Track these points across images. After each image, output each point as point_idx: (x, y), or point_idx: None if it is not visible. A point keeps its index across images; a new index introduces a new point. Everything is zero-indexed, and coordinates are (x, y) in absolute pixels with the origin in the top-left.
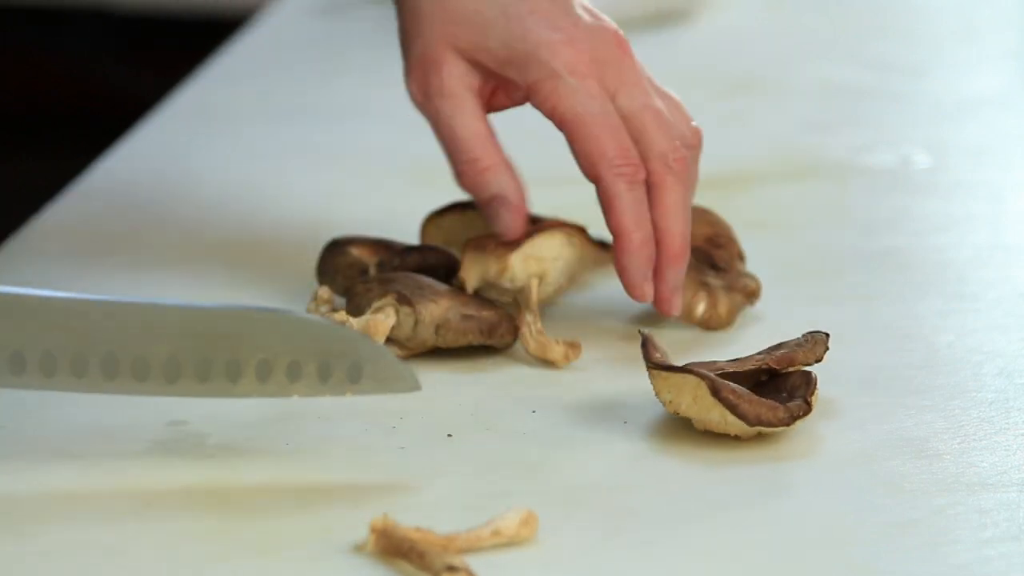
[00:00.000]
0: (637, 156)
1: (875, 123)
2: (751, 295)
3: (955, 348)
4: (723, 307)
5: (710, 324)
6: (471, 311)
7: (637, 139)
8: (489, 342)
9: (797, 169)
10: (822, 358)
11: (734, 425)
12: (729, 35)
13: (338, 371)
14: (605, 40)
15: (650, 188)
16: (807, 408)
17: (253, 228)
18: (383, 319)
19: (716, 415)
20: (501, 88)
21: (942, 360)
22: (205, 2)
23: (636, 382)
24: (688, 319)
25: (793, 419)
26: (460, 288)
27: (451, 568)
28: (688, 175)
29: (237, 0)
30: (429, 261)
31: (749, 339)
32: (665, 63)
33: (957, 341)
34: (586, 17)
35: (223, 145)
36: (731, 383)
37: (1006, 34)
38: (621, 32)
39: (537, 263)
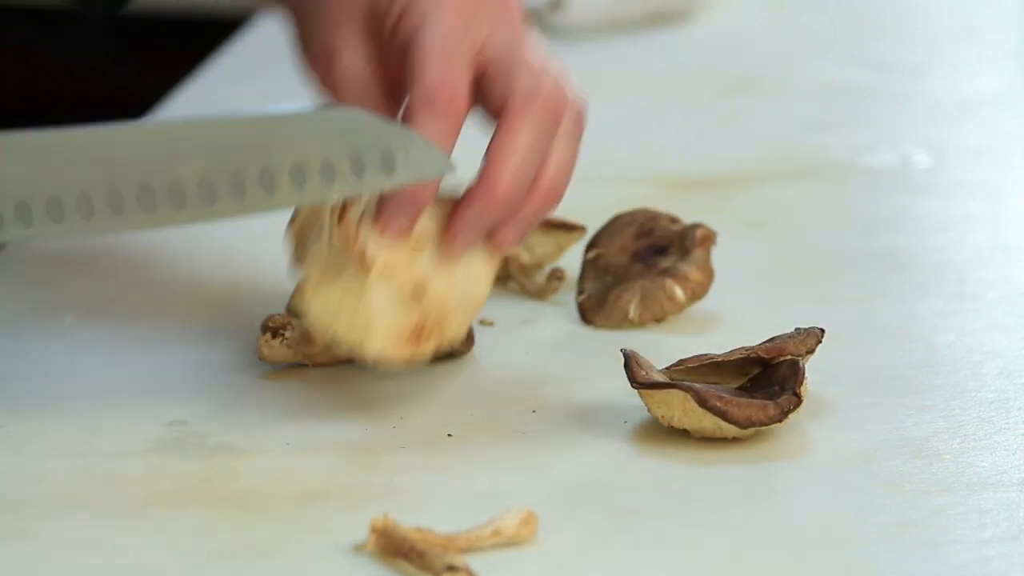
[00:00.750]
0: (458, 91)
1: (875, 123)
2: (706, 240)
3: (955, 348)
4: (694, 273)
5: (697, 294)
6: None
7: (495, 80)
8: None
9: (797, 169)
10: (814, 350)
11: (729, 429)
12: (729, 35)
13: (371, 164)
14: None
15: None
16: (797, 401)
17: (252, 228)
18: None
19: (709, 423)
20: (397, 65)
21: (942, 360)
22: (205, 2)
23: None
24: (678, 308)
25: (784, 414)
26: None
27: (451, 568)
28: (548, 117)
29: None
30: None
31: (749, 339)
32: (665, 63)
33: (957, 341)
34: None
35: None
36: (718, 389)
37: (1006, 34)
38: None
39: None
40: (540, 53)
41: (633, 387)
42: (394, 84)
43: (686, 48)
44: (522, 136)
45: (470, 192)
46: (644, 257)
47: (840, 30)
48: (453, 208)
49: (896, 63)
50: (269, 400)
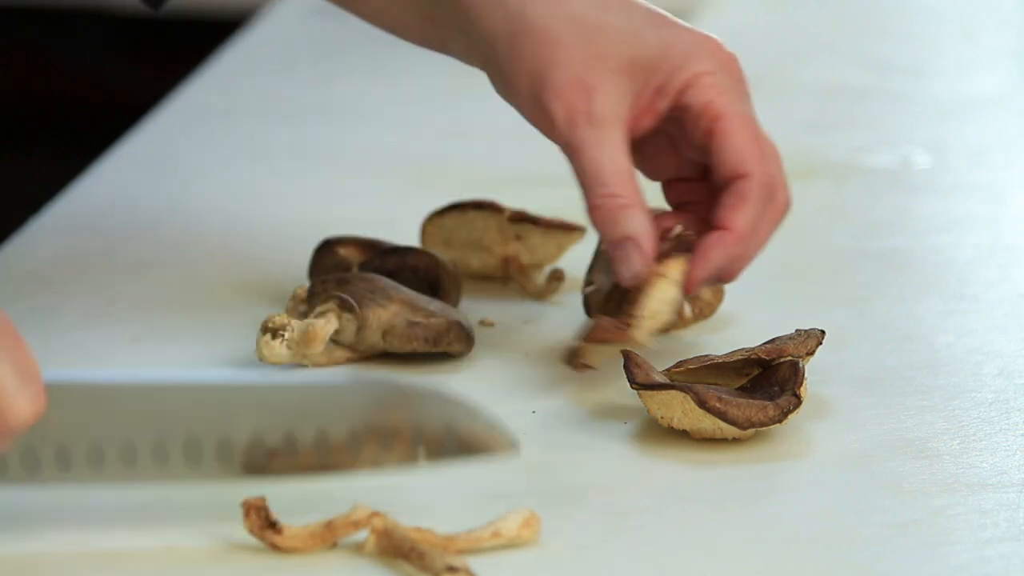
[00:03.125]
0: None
1: (875, 123)
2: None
3: (955, 348)
4: (705, 292)
5: (705, 313)
6: (419, 318)
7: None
8: (435, 350)
9: (797, 169)
10: (814, 352)
11: (729, 430)
12: (729, 35)
13: (433, 440)
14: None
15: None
16: (797, 402)
17: (252, 228)
18: (322, 324)
19: (708, 424)
20: (648, 104)
21: (942, 360)
22: (205, 2)
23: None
24: (684, 325)
25: (784, 415)
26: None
27: (451, 568)
28: (779, 225)
29: (237, 0)
30: (409, 263)
31: (750, 339)
32: None
33: (957, 341)
34: None
35: (223, 145)
36: (717, 390)
37: (1006, 34)
38: None
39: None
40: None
41: (632, 388)
42: (635, 124)
43: None
44: (756, 211)
45: (748, 251)
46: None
47: (840, 30)
48: (695, 261)
49: (896, 63)
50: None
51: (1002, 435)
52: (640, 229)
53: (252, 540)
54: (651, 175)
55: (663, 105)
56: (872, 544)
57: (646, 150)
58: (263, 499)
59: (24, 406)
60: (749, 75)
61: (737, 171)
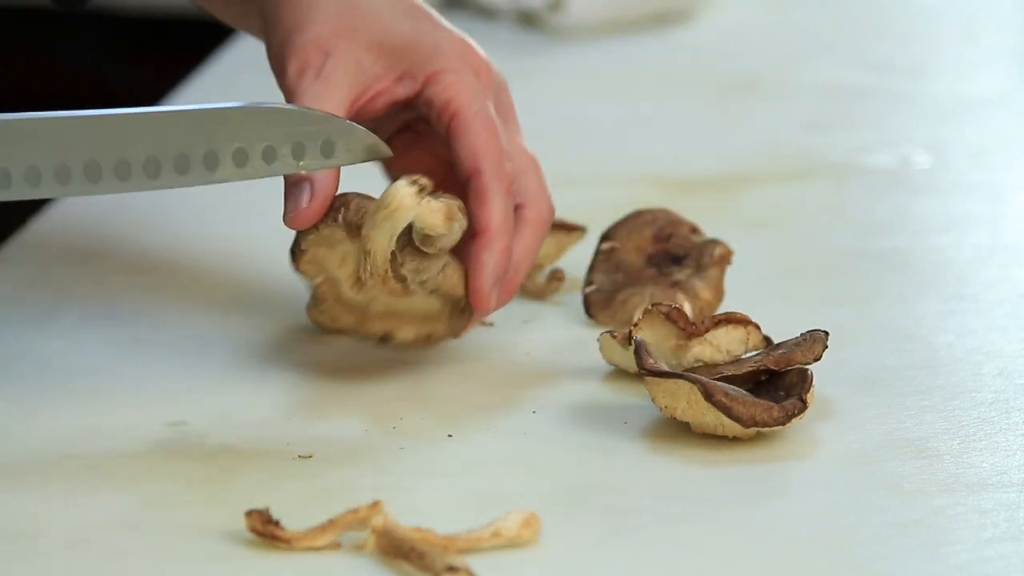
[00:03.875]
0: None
1: (875, 123)
2: (723, 260)
3: (955, 348)
4: (705, 292)
5: (704, 313)
6: None
7: (516, 177)
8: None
9: (797, 169)
10: (820, 357)
11: (731, 427)
12: (729, 35)
13: (311, 148)
14: (500, 74)
15: (518, 222)
16: (802, 406)
17: (253, 228)
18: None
19: (711, 418)
20: (384, 89)
21: (942, 360)
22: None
23: (636, 382)
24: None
25: (788, 418)
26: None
27: (451, 568)
28: (545, 230)
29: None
30: None
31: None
32: (665, 63)
33: (957, 341)
34: None
35: None
36: (725, 386)
37: (1006, 34)
38: None
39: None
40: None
41: (640, 373)
42: (364, 106)
43: (686, 48)
44: (535, 247)
45: (502, 248)
46: (659, 263)
47: (840, 30)
48: (484, 257)
49: (896, 63)
50: (269, 400)
51: (1002, 435)
52: (320, 177)
53: (253, 541)
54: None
55: (402, 92)
56: (872, 544)
57: (393, 146)
58: (266, 508)
59: None
60: (749, 75)
61: (471, 167)
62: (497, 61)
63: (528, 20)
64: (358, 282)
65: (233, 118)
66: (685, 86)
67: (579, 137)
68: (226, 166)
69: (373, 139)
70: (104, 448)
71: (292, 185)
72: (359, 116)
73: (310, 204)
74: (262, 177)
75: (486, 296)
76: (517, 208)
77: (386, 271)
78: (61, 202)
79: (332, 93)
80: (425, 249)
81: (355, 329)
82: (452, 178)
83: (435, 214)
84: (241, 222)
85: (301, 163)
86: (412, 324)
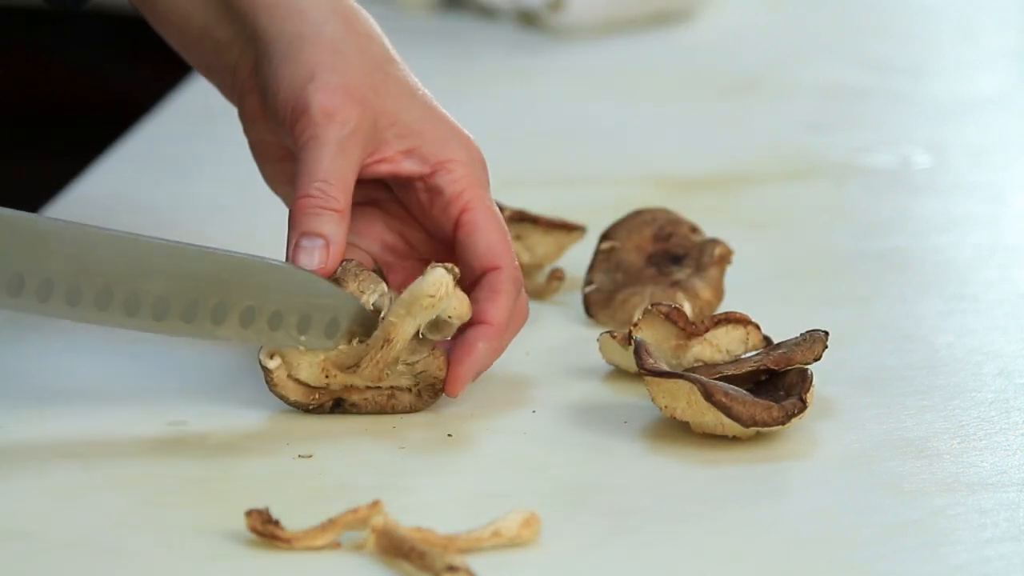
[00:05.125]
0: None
1: (875, 123)
2: (723, 260)
3: (955, 348)
4: (705, 291)
5: (704, 312)
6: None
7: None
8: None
9: (797, 169)
10: (820, 357)
11: (731, 427)
12: (729, 35)
13: (317, 323)
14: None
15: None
16: (802, 406)
17: (253, 228)
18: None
19: (711, 418)
20: (389, 158)
21: (942, 360)
22: None
23: (635, 382)
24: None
25: (788, 417)
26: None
27: (451, 568)
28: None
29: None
30: None
31: None
32: (665, 63)
33: (957, 341)
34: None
35: (223, 145)
36: (725, 385)
37: (1006, 34)
38: None
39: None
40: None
41: (641, 373)
42: (373, 165)
43: (686, 48)
44: (511, 302)
45: (497, 345)
46: (658, 263)
47: (840, 30)
48: (480, 347)
49: (896, 63)
50: (269, 400)
51: (1002, 435)
52: (337, 235)
53: (253, 540)
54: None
55: (406, 169)
56: (872, 544)
57: (355, 215)
58: (266, 508)
59: None
60: (749, 75)
61: (490, 264)
62: (497, 61)
63: (528, 20)
64: (333, 364)
65: (252, 272)
66: (685, 86)
67: (579, 137)
68: (231, 323)
69: (375, 323)
70: (104, 448)
71: (303, 236)
72: (360, 175)
73: (327, 264)
74: (260, 344)
75: (463, 384)
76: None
77: (396, 357)
78: (60, 202)
79: (353, 151)
80: (431, 336)
81: (305, 401)
82: (410, 255)
83: (463, 304)
84: (241, 222)
85: (303, 337)
86: (372, 392)
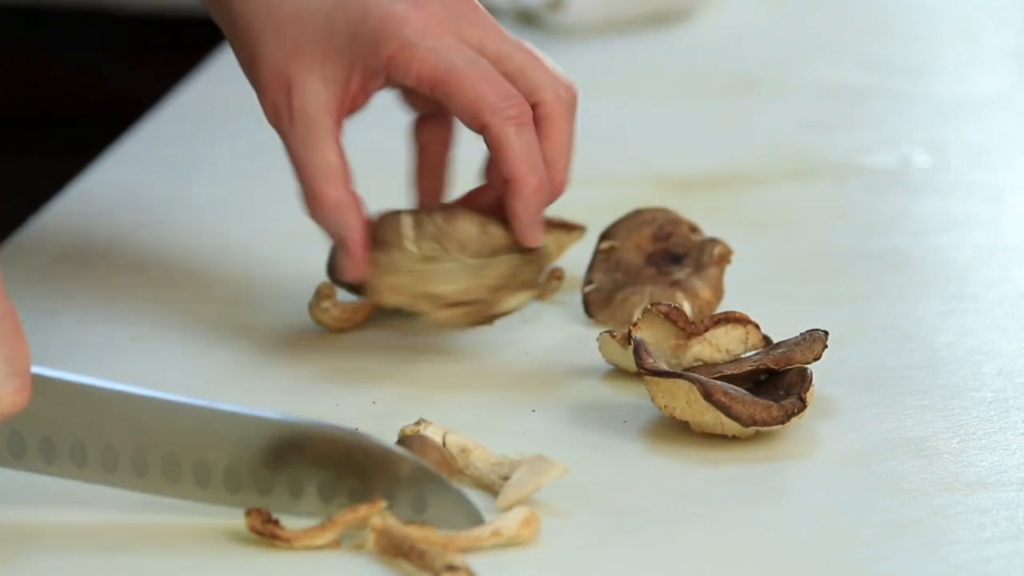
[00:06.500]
0: (521, 97)
1: (875, 123)
2: (722, 259)
3: (955, 348)
4: (704, 291)
5: (703, 312)
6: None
7: (517, 78)
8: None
9: (797, 169)
10: (820, 356)
11: (730, 426)
12: (729, 35)
13: (403, 502)
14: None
15: (540, 121)
16: (802, 405)
17: (252, 227)
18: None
19: (711, 418)
20: (359, 86)
21: (942, 360)
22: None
23: (635, 382)
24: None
25: (788, 417)
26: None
27: (451, 568)
28: (575, 108)
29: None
30: None
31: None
32: (665, 63)
33: (957, 341)
34: None
35: (222, 145)
36: (724, 385)
37: (1006, 34)
38: None
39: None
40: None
41: (640, 373)
42: (351, 106)
43: (686, 48)
44: (567, 134)
45: (533, 187)
46: (658, 262)
47: (840, 30)
48: (516, 206)
49: (896, 63)
50: (270, 401)
51: (1001, 434)
52: (344, 228)
53: (253, 540)
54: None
55: (375, 86)
56: (872, 544)
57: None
58: (266, 507)
59: (9, 395)
60: (749, 75)
61: (474, 125)
62: None
63: (527, 19)
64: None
65: (291, 434)
66: (685, 86)
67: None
68: (280, 494)
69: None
70: None
71: (330, 238)
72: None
73: (351, 260)
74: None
75: (527, 236)
76: (533, 107)
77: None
78: (60, 202)
79: (317, 133)
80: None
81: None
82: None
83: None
84: (242, 221)
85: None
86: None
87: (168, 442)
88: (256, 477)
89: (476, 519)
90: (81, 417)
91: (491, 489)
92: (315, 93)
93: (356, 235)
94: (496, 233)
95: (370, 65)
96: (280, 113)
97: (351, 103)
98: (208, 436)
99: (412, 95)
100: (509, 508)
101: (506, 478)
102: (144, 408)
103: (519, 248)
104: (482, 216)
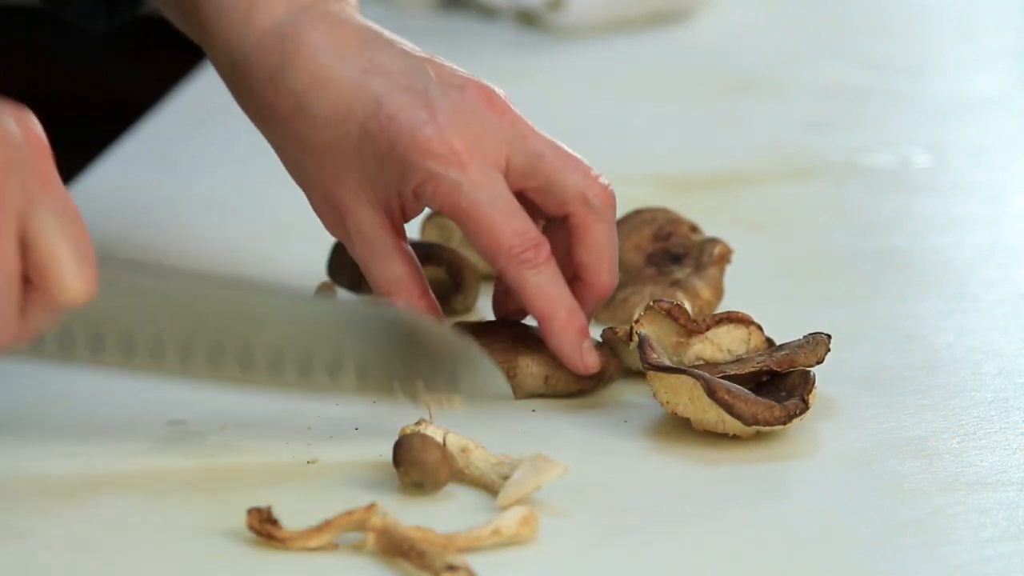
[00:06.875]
0: (536, 234)
1: (875, 123)
2: (722, 259)
3: (955, 348)
4: (704, 291)
5: (704, 311)
6: None
7: (545, 191)
8: (600, 386)
9: (797, 169)
10: (823, 359)
11: (732, 425)
12: (729, 35)
13: (439, 380)
14: (471, 102)
15: (573, 230)
16: (804, 406)
17: (252, 227)
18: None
19: (712, 415)
20: (402, 205)
21: (942, 360)
22: None
23: (636, 381)
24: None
25: (790, 417)
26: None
27: (451, 567)
28: (612, 208)
29: None
30: (433, 258)
31: None
32: (665, 63)
33: (957, 341)
34: (442, 76)
35: (223, 145)
36: (727, 383)
37: (1006, 34)
38: (483, 82)
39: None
40: (546, 137)
41: (644, 368)
42: (403, 217)
43: (686, 48)
44: (604, 236)
45: (588, 296)
46: (658, 262)
47: (840, 30)
48: (554, 343)
49: (896, 63)
50: (269, 400)
51: (1001, 434)
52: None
53: (253, 540)
54: None
55: (417, 205)
56: (872, 544)
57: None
58: (268, 506)
59: (78, 285)
60: (749, 75)
61: (496, 266)
62: (497, 61)
63: (527, 19)
64: None
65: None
66: (685, 86)
67: (579, 137)
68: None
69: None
70: (104, 448)
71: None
72: (407, 219)
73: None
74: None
75: (574, 364)
76: (565, 218)
77: None
78: None
79: (377, 248)
80: None
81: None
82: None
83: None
84: (242, 221)
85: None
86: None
87: (216, 329)
88: (297, 364)
89: (505, 394)
90: (129, 305)
91: (491, 489)
92: (366, 216)
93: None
94: (559, 382)
95: (403, 190)
96: (342, 235)
97: (402, 215)
98: (255, 319)
99: None
100: (509, 507)
101: (506, 477)
102: (190, 294)
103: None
104: (542, 362)
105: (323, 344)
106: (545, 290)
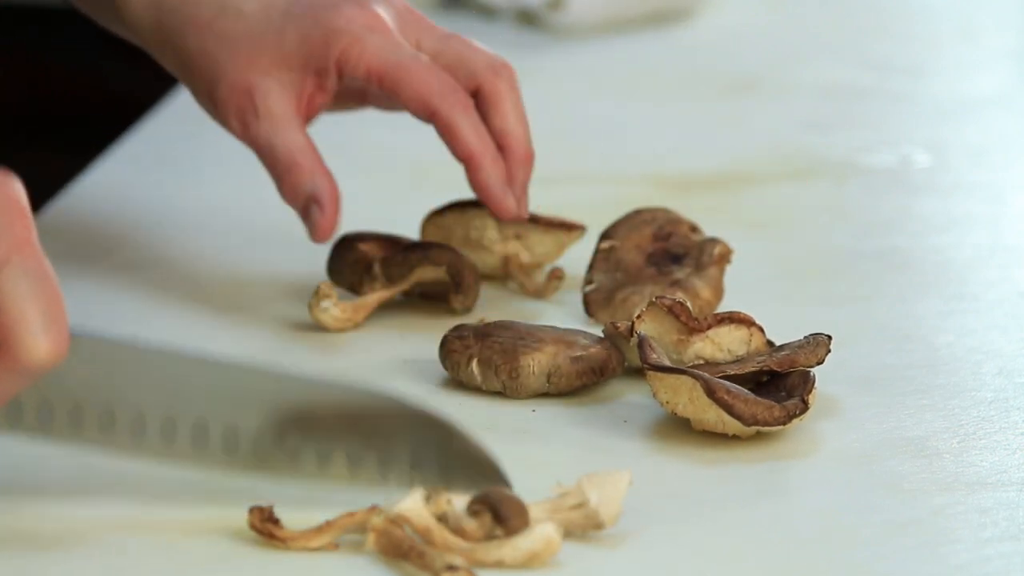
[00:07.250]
0: (460, 86)
1: (875, 123)
2: (722, 259)
3: (955, 348)
4: (704, 291)
5: (703, 311)
6: (578, 351)
7: (456, 66)
8: (602, 379)
9: (797, 169)
10: (823, 360)
11: (731, 425)
12: (729, 35)
13: (429, 469)
14: (389, 1)
15: (483, 101)
16: (804, 407)
17: (253, 227)
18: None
19: (712, 415)
20: (315, 86)
21: (942, 359)
22: None
23: (636, 380)
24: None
25: (790, 418)
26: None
27: (451, 568)
28: (516, 82)
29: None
30: (433, 258)
31: None
32: (665, 63)
33: (957, 341)
34: None
35: (223, 145)
36: (727, 383)
37: (1006, 34)
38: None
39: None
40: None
41: (644, 368)
42: (308, 109)
43: (686, 48)
44: (516, 105)
45: (509, 164)
46: (658, 262)
47: (840, 30)
48: (510, 185)
49: (896, 63)
50: None
51: (1001, 434)
52: (319, 188)
53: (253, 540)
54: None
55: (331, 86)
56: (872, 544)
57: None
58: (270, 505)
59: (45, 347)
60: (749, 75)
61: (424, 114)
62: None
63: (527, 19)
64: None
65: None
66: (685, 86)
67: (579, 137)
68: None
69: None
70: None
71: (302, 209)
72: (308, 123)
73: (324, 216)
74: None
75: (505, 205)
76: (475, 92)
77: None
78: (60, 202)
79: (283, 124)
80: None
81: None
82: None
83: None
84: (242, 221)
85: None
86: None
87: (199, 405)
88: (283, 443)
89: (500, 479)
90: (110, 377)
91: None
92: (276, 94)
93: (331, 194)
94: (562, 380)
95: (322, 65)
96: (246, 117)
97: (308, 105)
98: (238, 399)
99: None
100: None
101: (578, 506)
102: (175, 367)
103: None
104: (544, 361)
105: (312, 431)
106: (476, 129)
